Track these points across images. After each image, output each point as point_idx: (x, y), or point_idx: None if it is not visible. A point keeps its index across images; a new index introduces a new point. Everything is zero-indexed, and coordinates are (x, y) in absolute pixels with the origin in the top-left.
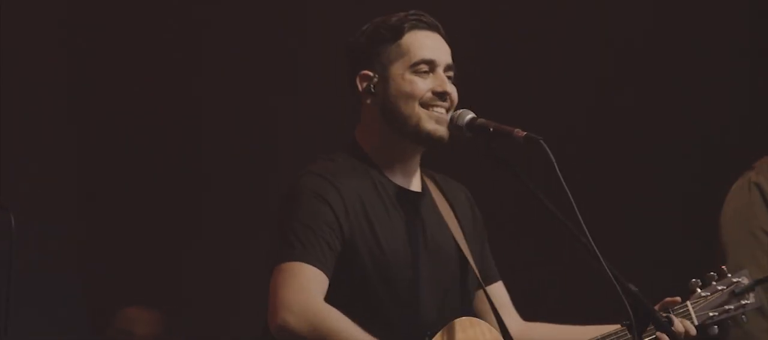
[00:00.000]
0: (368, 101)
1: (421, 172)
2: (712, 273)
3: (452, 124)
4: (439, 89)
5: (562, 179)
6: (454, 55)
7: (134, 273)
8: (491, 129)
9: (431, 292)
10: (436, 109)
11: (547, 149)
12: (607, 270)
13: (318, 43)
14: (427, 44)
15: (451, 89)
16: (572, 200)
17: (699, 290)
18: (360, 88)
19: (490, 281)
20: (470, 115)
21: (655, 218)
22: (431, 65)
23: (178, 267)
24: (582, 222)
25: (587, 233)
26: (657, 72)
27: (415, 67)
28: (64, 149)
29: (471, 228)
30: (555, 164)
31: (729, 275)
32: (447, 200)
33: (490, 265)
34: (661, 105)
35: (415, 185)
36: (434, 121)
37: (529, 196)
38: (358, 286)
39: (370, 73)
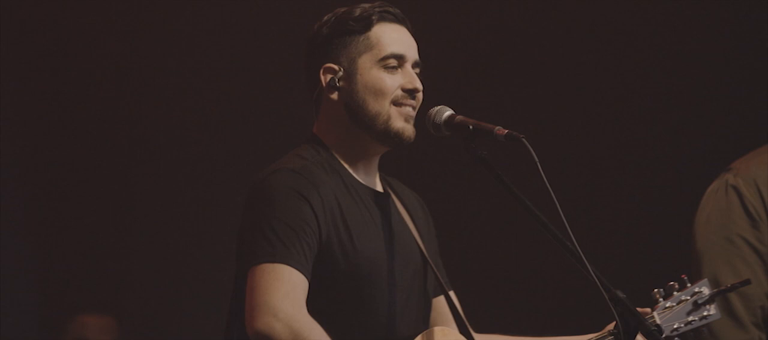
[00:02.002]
0: (332, 96)
1: (378, 174)
2: (672, 283)
3: (429, 122)
4: (410, 86)
5: (545, 180)
6: (420, 50)
7: (87, 281)
8: (470, 127)
9: (400, 297)
10: (405, 107)
11: (530, 148)
12: (594, 276)
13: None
14: (396, 38)
15: (421, 87)
16: (557, 202)
17: (662, 300)
18: (323, 82)
19: (448, 289)
20: (448, 112)
21: (640, 220)
22: (401, 60)
23: (130, 273)
24: (567, 226)
25: (573, 237)
26: (640, 70)
27: (384, 62)
28: (13, 155)
29: (427, 234)
30: (538, 164)
31: (689, 285)
32: (403, 204)
33: (445, 274)
34: (643, 104)
35: (376, 184)
36: (403, 120)
37: (511, 198)
38: (329, 288)
39: (335, 67)
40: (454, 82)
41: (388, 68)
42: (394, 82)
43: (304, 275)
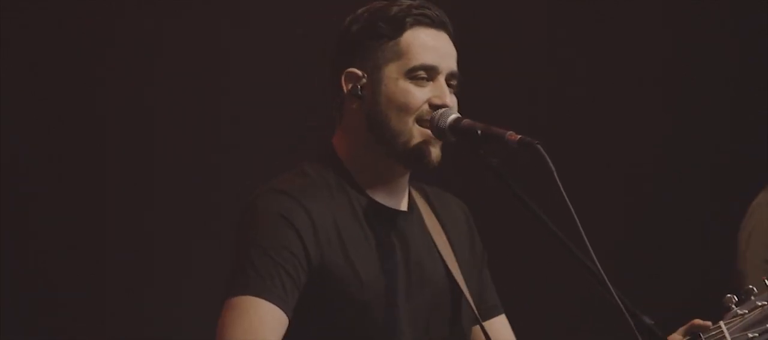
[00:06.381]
0: (353, 105)
1: (410, 185)
2: (751, 287)
3: (433, 126)
4: (438, 101)
5: (563, 191)
6: (460, 59)
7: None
8: (479, 132)
9: (416, 329)
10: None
11: (546, 156)
12: (618, 300)
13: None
14: (430, 45)
15: (452, 102)
16: (576, 217)
17: (735, 308)
18: (345, 89)
19: (490, 315)
20: (454, 115)
21: (668, 232)
22: (432, 72)
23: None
24: (588, 243)
25: (594, 256)
26: (669, 70)
27: (412, 73)
28: None
29: (467, 253)
30: (555, 173)
31: None
32: (439, 219)
33: (491, 296)
34: (671, 106)
35: (401, 203)
36: (427, 142)
37: (525, 211)
38: (330, 326)
39: (359, 72)
40: (460, 81)
41: (416, 80)
42: (421, 96)
43: (281, 309)
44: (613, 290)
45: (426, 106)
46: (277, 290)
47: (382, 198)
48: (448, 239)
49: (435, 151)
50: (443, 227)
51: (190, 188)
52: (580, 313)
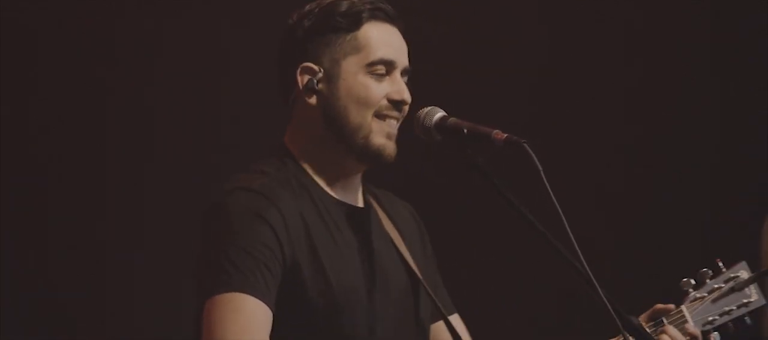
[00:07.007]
0: (309, 100)
1: (362, 186)
2: (704, 270)
3: (418, 125)
4: (397, 97)
5: (549, 191)
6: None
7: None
8: (465, 130)
9: (383, 328)
10: (389, 120)
11: (532, 155)
12: (605, 301)
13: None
14: (387, 40)
15: (409, 97)
16: (562, 216)
17: (692, 291)
18: (300, 84)
19: (449, 312)
20: (440, 113)
21: (653, 232)
22: (389, 67)
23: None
24: (575, 242)
25: (581, 256)
26: (652, 69)
27: (371, 68)
28: None
29: (421, 253)
30: (541, 173)
31: (724, 270)
32: (391, 220)
33: (445, 295)
34: (656, 104)
35: (358, 200)
36: (385, 136)
37: (512, 211)
38: (298, 321)
39: (315, 67)
40: (446, 79)
41: (374, 75)
42: (380, 91)
43: (267, 305)
44: (599, 290)
45: (384, 101)
46: (260, 286)
47: (340, 195)
48: (402, 238)
49: (392, 147)
50: (396, 227)
51: (190, 188)
52: (567, 313)
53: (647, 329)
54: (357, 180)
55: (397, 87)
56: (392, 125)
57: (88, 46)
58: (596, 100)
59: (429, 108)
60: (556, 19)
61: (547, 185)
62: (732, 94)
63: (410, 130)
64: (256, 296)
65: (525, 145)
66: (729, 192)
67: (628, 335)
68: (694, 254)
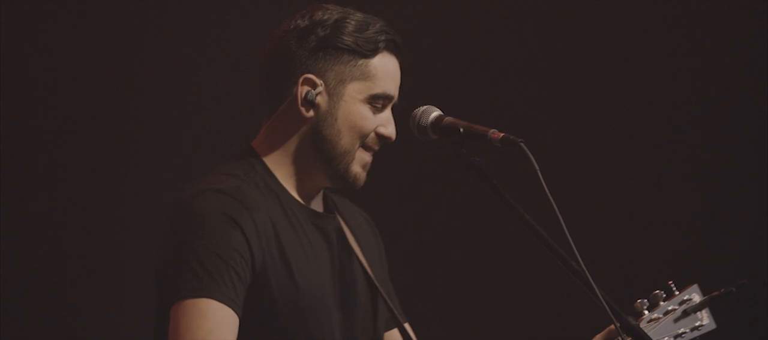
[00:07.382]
0: (303, 112)
1: (322, 192)
2: (657, 291)
3: (414, 124)
4: (386, 133)
5: (547, 190)
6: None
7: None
8: (461, 130)
9: (344, 333)
10: (369, 152)
11: (530, 154)
12: (603, 302)
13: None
14: (392, 75)
15: (394, 137)
16: (560, 216)
17: (646, 312)
18: (300, 94)
19: (403, 320)
20: (436, 112)
21: (650, 231)
22: (386, 102)
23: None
24: (572, 243)
25: (578, 256)
26: (648, 68)
27: (374, 99)
28: None
29: (377, 260)
30: (539, 172)
31: (677, 293)
32: (349, 226)
33: (398, 302)
34: (651, 105)
35: (320, 206)
36: (362, 166)
37: (508, 211)
38: (264, 324)
39: (318, 81)
40: (442, 78)
41: (373, 106)
42: (373, 123)
43: (234, 310)
44: (596, 290)
45: (373, 134)
46: (229, 291)
47: (305, 201)
48: (359, 245)
49: (364, 177)
50: (353, 233)
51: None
52: (564, 312)
53: (643, 332)
54: (321, 188)
55: (388, 124)
56: (370, 156)
57: (88, 45)
58: (593, 99)
59: (424, 107)
60: (554, 19)
61: (544, 184)
62: (732, 94)
63: (406, 129)
64: (224, 302)
65: (522, 144)
66: (729, 192)
67: (625, 335)
68: (694, 254)
